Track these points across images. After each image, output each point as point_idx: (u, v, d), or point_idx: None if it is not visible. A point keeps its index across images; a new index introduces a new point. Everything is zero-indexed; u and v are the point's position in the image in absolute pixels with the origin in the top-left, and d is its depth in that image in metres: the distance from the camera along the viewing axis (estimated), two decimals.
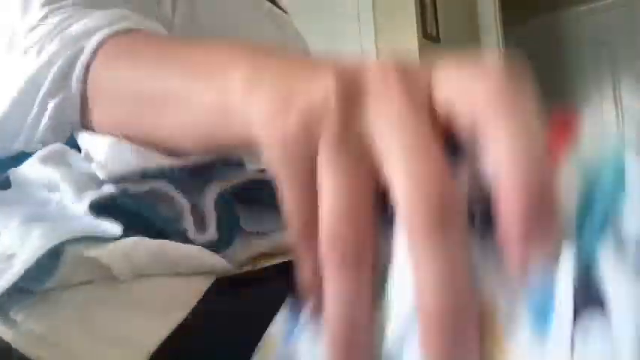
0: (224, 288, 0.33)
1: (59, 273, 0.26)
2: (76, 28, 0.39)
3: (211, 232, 0.34)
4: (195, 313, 0.30)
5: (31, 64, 0.40)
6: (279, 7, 0.77)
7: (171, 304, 0.30)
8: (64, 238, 0.26)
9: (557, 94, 3.79)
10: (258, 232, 0.39)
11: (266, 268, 0.38)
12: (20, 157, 0.42)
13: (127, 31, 0.38)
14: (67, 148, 0.41)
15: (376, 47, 2.43)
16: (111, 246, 0.28)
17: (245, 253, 0.37)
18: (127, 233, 0.29)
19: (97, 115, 0.38)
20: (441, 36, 2.61)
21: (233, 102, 0.26)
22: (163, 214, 0.32)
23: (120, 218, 0.30)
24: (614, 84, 3.65)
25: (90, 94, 0.37)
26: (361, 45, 2.43)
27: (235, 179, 0.37)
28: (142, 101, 0.35)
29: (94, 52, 0.37)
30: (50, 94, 0.39)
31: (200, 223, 0.35)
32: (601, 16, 3.65)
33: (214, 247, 0.34)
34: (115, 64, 0.38)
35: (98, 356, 0.26)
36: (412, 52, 2.36)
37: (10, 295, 0.25)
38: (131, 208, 0.31)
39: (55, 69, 0.38)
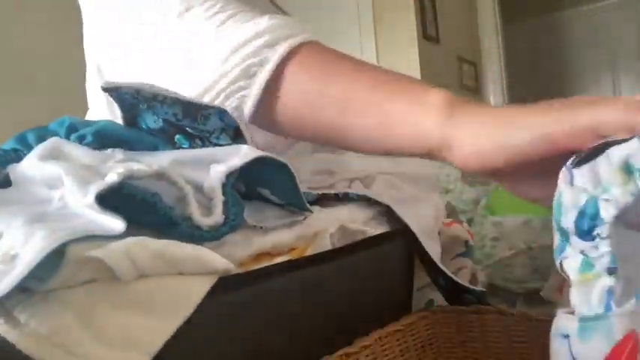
0: (226, 287, 0.33)
1: (62, 273, 0.26)
2: (264, 32, 0.45)
3: (217, 214, 0.34)
4: (197, 312, 0.30)
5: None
6: (282, 11, 0.78)
7: (174, 305, 0.30)
8: (66, 239, 0.26)
9: (557, 94, 3.78)
10: (261, 228, 0.39)
11: (267, 268, 0.38)
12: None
13: (307, 42, 0.46)
14: (64, 141, 0.41)
15: (376, 47, 2.43)
16: (113, 246, 0.28)
17: (247, 250, 0.38)
18: (131, 226, 0.29)
19: (279, 108, 0.45)
20: (440, 36, 2.61)
21: (430, 122, 0.39)
22: (167, 201, 0.33)
23: (125, 208, 0.30)
24: (614, 84, 3.65)
25: (277, 92, 0.45)
26: (361, 45, 2.43)
27: (239, 162, 0.37)
28: (328, 103, 0.43)
29: (284, 59, 0.44)
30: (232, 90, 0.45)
31: (205, 209, 0.35)
32: (601, 16, 3.65)
33: (220, 231, 0.34)
34: (305, 72, 0.45)
35: (101, 357, 0.26)
36: (412, 52, 2.36)
37: (14, 294, 0.25)
38: (136, 194, 0.31)
39: (238, 70, 0.45)
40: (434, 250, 0.53)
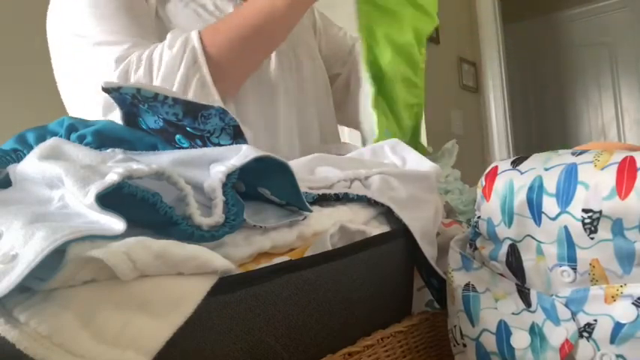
0: (226, 287, 0.33)
1: (62, 273, 0.26)
2: (173, 41, 0.68)
3: (218, 214, 0.34)
4: (197, 312, 0.30)
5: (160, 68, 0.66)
6: None
7: (174, 305, 0.30)
8: (66, 239, 0.26)
9: (557, 94, 3.79)
10: (261, 228, 0.39)
11: (267, 268, 0.38)
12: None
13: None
14: (64, 141, 0.42)
15: None
16: (113, 246, 0.28)
17: (247, 250, 0.38)
18: (131, 226, 0.29)
19: (221, 64, 0.69)
20: (440, 37, 2.61)
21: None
22: (167, 201, 0.33)
23: (125, 208, 0.30)
24: (614, 84, 3.65)
25: (212, 61, 0.68)
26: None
27: (239, 161, 0.37)
28: (240, 35, 0.70)
29: (200, 42, 0.68)
30: (187, 76, 0.66)
31: (205, 209, 0.35)
32: (601, 16, 3.65)
33: (220, 231, 0.34)
34: (214, 37, 0.69)
35: (101, 357, 0.26)
36: None
37: (14, 294, 0.25)
38: (136, 193, 0.31)
39: (184, 60, 0.66)
40: (430, 252, 0.53)
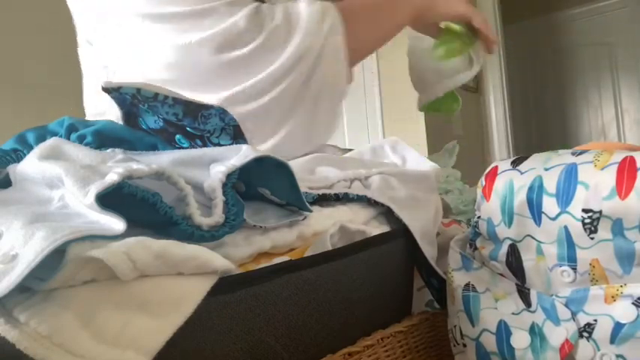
0: (226, 287, 0.33)
1: (62, 273, 0.26)
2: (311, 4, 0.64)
3: (218, 214, 0.34)
4: (197, 313, 0.30)
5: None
6: None
7: (174, 305, 0.30)
8: (66, 239, 0.26)
9: (557, 94, 3.78)
10: (261, 228, 0.39)
11: (267, 268, 0.38)
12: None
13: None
14: (64, 141, 0.42)
15: None
16: (113, 246, 0.27)
17: (247, 250, 0.38)
18: (131, 226, 0.29)
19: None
20: None
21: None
22: (167, 201, 0.33)
23: (125, 208, 0.30)
24: (614, 84, 3.65)
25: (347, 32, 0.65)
26: None
27: (239, 161, 0.37)
28: (372, 18, 0.71)
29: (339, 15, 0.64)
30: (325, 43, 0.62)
31: (205, 209, 0.35)
32: (601, 16, 3.65)
33: (220, 231, 0.34)
34: (352, 16, 0.67)
35: (101, 357, 0.26)
36: None
37: (14, 294, 0.25)
38: (136, 193, 0.31)
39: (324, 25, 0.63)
40: (430, 252, 0.53)
